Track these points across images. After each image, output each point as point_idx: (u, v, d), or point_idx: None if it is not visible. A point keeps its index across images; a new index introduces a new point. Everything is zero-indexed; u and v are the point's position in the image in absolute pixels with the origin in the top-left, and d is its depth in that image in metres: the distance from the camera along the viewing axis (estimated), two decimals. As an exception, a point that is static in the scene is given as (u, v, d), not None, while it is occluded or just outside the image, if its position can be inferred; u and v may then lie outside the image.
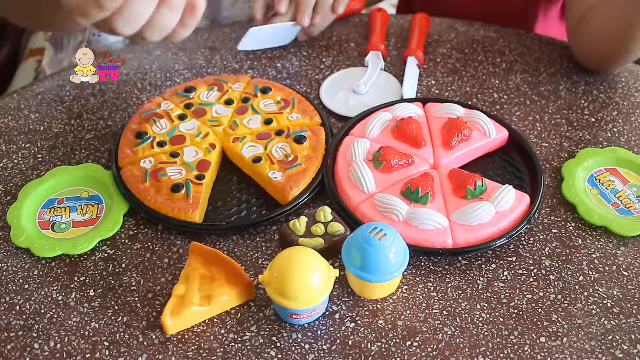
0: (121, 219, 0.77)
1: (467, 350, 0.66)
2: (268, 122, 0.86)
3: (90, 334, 0.67)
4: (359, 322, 0.68)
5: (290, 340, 0.67)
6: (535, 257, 0.74)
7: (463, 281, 0.72)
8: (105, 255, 0.74)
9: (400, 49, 1.02)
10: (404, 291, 0.71)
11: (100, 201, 0.79)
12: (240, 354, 0.66)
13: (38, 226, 0.77)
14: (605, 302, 0.70)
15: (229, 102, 0.89)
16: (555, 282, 0.72)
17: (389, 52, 1.01)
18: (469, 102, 0.93)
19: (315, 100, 0.92)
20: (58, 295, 0.71)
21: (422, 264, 0.74)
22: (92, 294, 0.71)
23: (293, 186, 0.78)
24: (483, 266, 0.73)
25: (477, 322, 0.68)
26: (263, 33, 0.97)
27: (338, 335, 0.67)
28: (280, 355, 0.66)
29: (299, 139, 0.83)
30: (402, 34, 1.05)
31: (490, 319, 0.69)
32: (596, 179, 0.82)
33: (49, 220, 0.77)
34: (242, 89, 0.91)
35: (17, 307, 0.70)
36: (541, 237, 0.76)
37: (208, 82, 0.92)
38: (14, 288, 0.72)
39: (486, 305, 0.70)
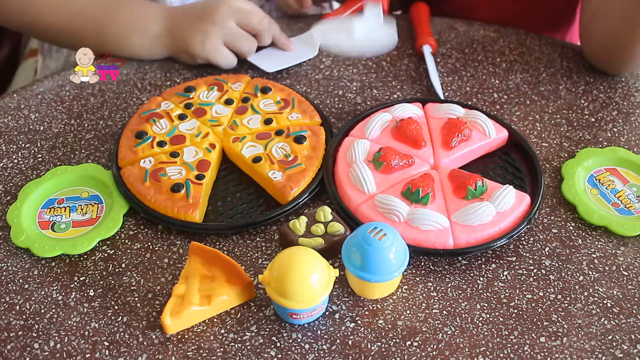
0: (121, 219, 0.77)
1: (467, 350, 0.66)
2: (268, 122, 0.86)
3: (90, 334, 0.67)
4: (359, 322, 0.68)
5: (290, 340, 0.67)
6: (535, 257, 0.74)
7: (463, 281, 0.72)
8: (105, 255, 0.74)
9: (400, 49, 1.02)
10: (404, 291, 0.71)
11: (100, 201, 0.79)
12: (240, 354, 0.66)
13: (38, 226, 0.77)
14: (605, 302, 0.70)
15: (229, 102, 0.89)
16: (555, 282, 0.72)
17: (388, 52, 1.01)
18: (469, 102, 0.93)
19: (315, 100, 0.93)
20: (58, 295, 0.71)
21: (422, 264, 0.74)
22: (92, 294, 0.71)
23: (293, 186, 0.78)
24: (483, 266, 0.74)
25: (477, 322, 0.68)
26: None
27: (338, 335, 0.67)
28: (280, 355, 0.66)
29: (299, 139, 0.83)
30: (401, 34, 1.05)
31: (490, 319, 0.69)
32: (596, 179, 0.82)
33: (49, 220, 0.77)
34: (242, 89, 0.91)
35: (17, 307, 0.70)
36: (541, 237, 0.76)
37: (208, 82, 0.92)
38: (14, 288, 0.72)
39: (486, 305, 0.70)
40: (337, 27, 0.98)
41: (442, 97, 0.92)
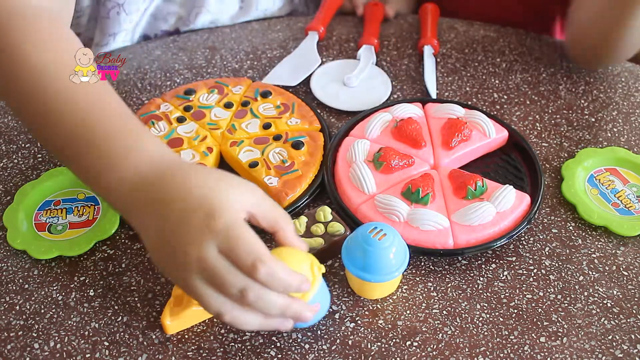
0: (118, 220, 0.76)
1: (467, 350, 0.66)
2: (267, 126, 0.86)
3: (90, 334, 0.67)
4: (359, 322, 0.68)
5: (290, 340, 0.67)
6: (535, 257, 0.74)
7: (463, 281, 0.72)
8: (105, 255, 0.74)
9: (400, 49, 1.02)
10: (404, 291, 0.71)
11: (96, 202, 0.79)
12: (240, 354, 0.66)
13: (35, 228, 0.76)
14: (605, 302, 0.70)
15: (228, 105, 0.89)
16: (555, 282, 0.72)
17: (388, 52, 1.01)
18: (469, 102, 0.93)
19: (314, 102, 0.92)
20: (58, 295, 0.71)
21: (422, 264, 0.74)
22: (92, 294, 0.71)
23: (289, 192, 0.77)
24: (483, 266, 0.73)
25: (477, 322, 0.68)
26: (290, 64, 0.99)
27: (338, 335, 0.67)
28: (280, 355, 0.66)
29: (297, 145, 0.82)
30: (402, 34, 1.05)
31: (490, 319, 0.69)
32: (596, 179, 0.82)
33: (45, 222, 0.77)
34: (243, 92, 0.91)
35: (17, 307, 0.70)
36: (541, 237, 0.76)
37: (208, 84, 0.92)
38: (14, 288, 0.71)
39: (486, 305, 0.70)
40: (332, 74, 0.96)
41: (435, 97, 0.92)
